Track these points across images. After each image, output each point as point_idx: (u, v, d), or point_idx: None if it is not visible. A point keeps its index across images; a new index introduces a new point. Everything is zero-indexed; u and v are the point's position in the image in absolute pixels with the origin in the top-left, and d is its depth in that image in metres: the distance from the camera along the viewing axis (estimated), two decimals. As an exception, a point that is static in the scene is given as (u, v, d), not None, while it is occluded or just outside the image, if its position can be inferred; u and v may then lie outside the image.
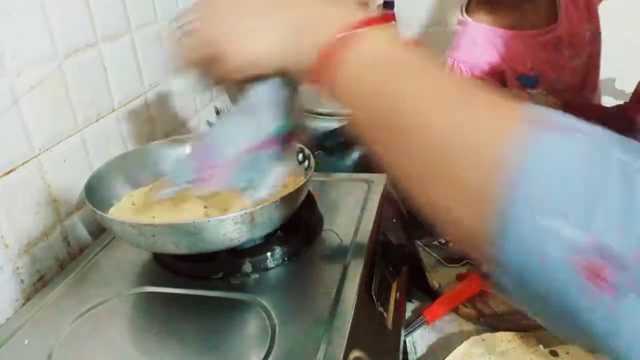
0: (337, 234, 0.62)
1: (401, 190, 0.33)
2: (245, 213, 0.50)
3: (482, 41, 0.92)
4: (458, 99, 0.30)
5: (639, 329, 0.23)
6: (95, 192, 0.59)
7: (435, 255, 0.85)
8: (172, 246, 0.52)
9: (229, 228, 0.50)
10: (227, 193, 0.62)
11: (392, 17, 0.36)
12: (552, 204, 0.24)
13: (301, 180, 0.58)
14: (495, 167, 0.26)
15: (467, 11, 0.93)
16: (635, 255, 0.22)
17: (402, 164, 0.32)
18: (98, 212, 0.53)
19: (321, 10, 0.37)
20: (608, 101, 1.15)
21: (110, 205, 0.62)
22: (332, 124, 0.87)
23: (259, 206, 0.51)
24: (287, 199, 0.54)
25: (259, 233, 0.55)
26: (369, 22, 0.34)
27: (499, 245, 0.26)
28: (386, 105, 0.32)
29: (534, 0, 0.92)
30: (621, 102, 0.92)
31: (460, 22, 0.93)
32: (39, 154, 0.61)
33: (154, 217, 0.59)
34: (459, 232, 0.30)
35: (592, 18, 0.94)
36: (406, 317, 0.71)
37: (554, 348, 0.64)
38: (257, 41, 0.37)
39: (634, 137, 0.26)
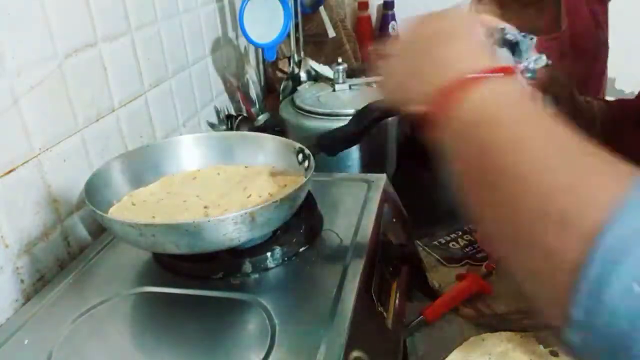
0: (337, 234, 0.62)
1: (492, 251, 0.33)
2: (246, 213, 0.50)
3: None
4: (565, 162, 0.29)
5: None
6: (95, 192, 0.59)
7: (435, 255, 0.85)
8: (172, 246, 0.52)
9: (229, 228, 0.50)
10: (229, 192, 0.62)
11: (513, 70, 0.37)
12: None
13: (301, 180, 0.58)
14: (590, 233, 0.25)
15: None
16: None
17: (496, 223, 0.31)
18: (98, 212, 0.53)
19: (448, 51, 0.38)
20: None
21: (110, 205, 0.62)
22: (332, 124, 0.87)
23: (259, 206, 0.51)
24: (287, 199, 0.54)
25: (260, 233, 0.55)
26: (492, 71, 0.35)
27: (578, 305, 0.25)
28: (491, 162, 0.32)
29: (539, 6, 0.91)
30: None
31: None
32: (39, 154, 0.61)
33: (154, 217, 0.59)
34: (535, 279, 0.29)
35: (599, 25, 0.94)
36: (406, 317, 0.71)
37: (554, 348, 0.64)
38: (407, 93, 0.41)
39: None
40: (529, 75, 0.49)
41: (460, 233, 0.88)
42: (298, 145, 0.65)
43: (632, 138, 0.73)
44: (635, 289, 0.23)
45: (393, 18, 1.48)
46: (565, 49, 0.93)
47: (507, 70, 0.36)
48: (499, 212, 0.31)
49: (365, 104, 0.66)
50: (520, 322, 0.72)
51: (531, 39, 0.50)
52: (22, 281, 0.59)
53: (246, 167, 0.69)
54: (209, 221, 0.50)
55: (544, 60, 0.49)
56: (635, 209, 0.24)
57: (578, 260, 0.25)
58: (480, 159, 0.32)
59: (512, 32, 0.49)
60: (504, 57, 0.48)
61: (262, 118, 1.09)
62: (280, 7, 1.08)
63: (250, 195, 0.60)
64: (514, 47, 0.51)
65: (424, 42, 0.42)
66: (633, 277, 0.23)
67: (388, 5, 1.46)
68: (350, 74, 1.12)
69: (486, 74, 0.35)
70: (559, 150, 0.30)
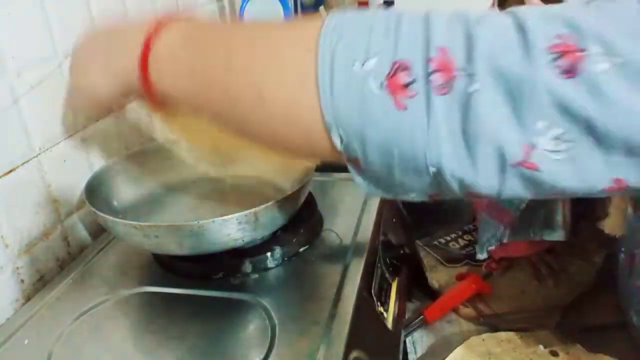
0: (337, 234, 0.62)
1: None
2: (249, 213, 0.50)
3: None
4: (256, 40, 0.35)
5: (440, 118, 0.28)
6: (96, 193, 0.59)
7: (435, 255, 0.85)
8: (176, 247, 0.52)
9: (232, 228, 0.50)
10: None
11: (190, 13, 0.41)
12: (361, 51, 0.29)
13: (302, 180, 0.58)
14: (301, 43, 0.31)
15: (499, 5, 0.91)
16: (427, 60, 0.28)
17: (232, 100, 0.35)
18: (100, 214, 0.53)
19: (119, 35, 0.43)
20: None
21: (111, 205, 0.62)
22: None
23: (263, 206, 0.51)
24: (289, 199, 0.54)
25: (263, 233, 0.55)
26: (160, 26, 0.40)
27: (328, 107, 0.30)
28: (202, 75, 0.36)
29: None
30: None
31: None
32: (39, 154, 0.61)
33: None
34: (292, 123, 0.33)
35: None
36: (406, 317, 0.71)
37: (554, 348, 0.64)
38: (91, 77, 0.44)
39: None
40: None
41: (460, 233, 0.88)
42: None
43: None
44: (355, 67, 0.29)
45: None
46: None
47: (184, 15, 0.41)
48: (229, 107, 0.36)
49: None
50: (520, 322, 0.72)
51: None
52: (22, 281, 0.59)
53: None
54: (213, 221, 0.50)
55: None
56: (329, 33, 0.31)
57: (311, 74, 0.30)
58: (193, 76, 0.37)
59: None
60: None
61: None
62: (280, 7, 1.08)
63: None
64: None
65: (103, 36, 0.46)
66: (347, 61, 0.30)
67: (388, 5, 1.46)
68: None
69: (168, 21, 0.40)
70: (248, 31, 0.36)
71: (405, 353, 0.68)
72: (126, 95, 0.43)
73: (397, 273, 0.67)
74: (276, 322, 0.49)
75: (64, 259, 0.65)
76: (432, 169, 0.30)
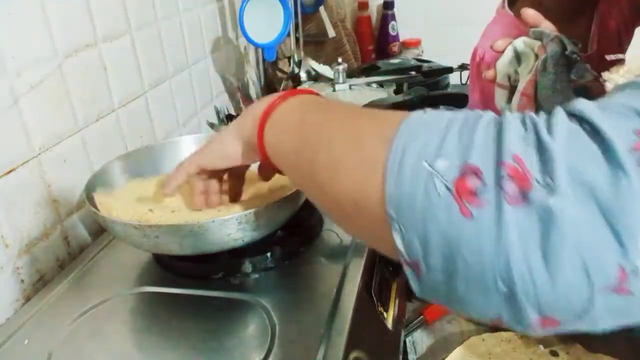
0: (337, 234, 0.62)
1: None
2: (249, 213, 0.50)
3: (514, 37, 0.90)
4: (350, 110, 0.39)
5: (513, 229, 0.26)
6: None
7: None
8: (176, 247, 0.52)
9: (232, 228, 0.50)
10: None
11: (311, 91, 0.46)
12: (433, 149, 0.29)
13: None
14: (379, 132, 0.32)
15: (510, 4, 0.90)
16: (498, 167, 0.27)
17: (315, 171, 0.37)
18: (100, 213, 0.53)
19: (253, 107, 0.48)
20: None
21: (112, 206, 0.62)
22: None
23: (263, 206, 0.51)
24: (289, 199, 0.54)
25: (263, 233, 0.55)
26: (287, 95, 0.44)
27: (390, 199, 0.30)
28: (297, 141, 0.40)
29: (575, 24, 0.89)
30: None
31: (498, 12, 0.91)
32: (39, 154, 0.61)
33: (151, 210, 0.58)
34: (359, 207, 0.33)
35: (621, 45, 0.93)
36: (406, 317, 0.71)
37: (554, 348, 0.64)
38: (220, 145, 0.51)
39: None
40: None
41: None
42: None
43: None
44: (423, 165, 0.29)
45: (393, 18, 1.48)
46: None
47: (307, 91, 0.46)
48: (318, 194, 0.38)
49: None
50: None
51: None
52: (22, 281, 0.59)
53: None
54: (213, 221, 0.50)
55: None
56: (405, 129, 0.31)
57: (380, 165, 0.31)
58: (292, 141, 0.41)
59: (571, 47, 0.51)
60: None
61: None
62: (280, 7, 1.08)
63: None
64: (571, 65, 0.52)
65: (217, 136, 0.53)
66: (418, 157, 0.29)
67: (388, 5, 1.46)
68: (350, 74, 1.12)
69: (288, 95, 0.45)
70: (344, 114, 0.39)
71: (405, 353, 0.68)
72: (247, 157, 0.50)
73: (397, 273, 0.67)
74: (276, 322, 0.49)
75: (64, 259, 0.65)
76: (502, 287, 0.27)
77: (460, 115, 0.31)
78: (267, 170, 0.54)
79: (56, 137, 0.64)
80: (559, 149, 0.26)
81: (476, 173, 0.27)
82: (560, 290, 0.26)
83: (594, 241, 0.25)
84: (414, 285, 0.32)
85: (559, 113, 0.28)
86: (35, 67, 0.60)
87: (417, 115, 0.32)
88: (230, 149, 0.50)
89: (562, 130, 0.27)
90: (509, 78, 0.66)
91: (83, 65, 0.68)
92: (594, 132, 0.26)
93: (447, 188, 0.27)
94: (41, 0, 0.61)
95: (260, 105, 0.46)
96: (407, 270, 0.31)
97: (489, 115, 0.30)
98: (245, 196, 0.60)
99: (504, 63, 0.65)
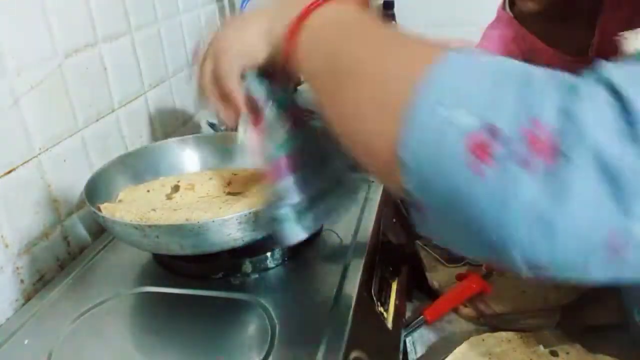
0: (337, 234, 0.62)
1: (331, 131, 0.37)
2: (250, 213, 0.50)
3: (511, 39, 0.89)
4: (386, 42, 0.35)
5: (522, 198, 0.25)
6: (96, 194, 0.59)
7: (435, 255, 0.85)
8: (177, 247, 0.52)
9: (233, 228, 0.50)
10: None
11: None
12: (455, 98, 0.28)
13: None
14: (407, 76, 0.30)
15: (510, 5, 0.90)
16: (519, 131, 0.26)
17: (337, 101, 0.36)
18: (100, 214, 0.53)
19: (288, 2, 0.41)
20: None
21: (111, 205, 0.62)
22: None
23: (263, 206, 0.51)
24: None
25: (263, 233, 0.55)
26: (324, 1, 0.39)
27: (403, 143, 0.29)
28: (333, 58, 0.36)
29: (571, 27, 0.89)
30: None
31: (498, 13, 0.91)
32: (39, 154, 0.61)
33: (154, 209, 0.58)
34: (371, 150, 0.33)
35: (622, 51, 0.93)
36: (406, 317, 0.71)
37: (554, 348, 0.64)
38: (243, 37, 0.44)
39: None
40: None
41: (460, 233, 0.88)
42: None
43: None
44: (439, 110, 0.27)
45: (393, 18, 1.48)
46: (581, 72, 0.91)
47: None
48: (340, 89, 0.35)
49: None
50: (520, 322, 0.72)
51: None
52: (22, 281, 0.59)
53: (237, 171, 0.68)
54: (213, 221, 0.49)
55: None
56: (441, 58, 0.30)
57: (401, 99, 0.29)
58: (330, 62, 0.37)
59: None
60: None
61: (262, 118, 1.09)
62: (280, 7, 1.08)
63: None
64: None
65: (240, 21, 0.46)
66: (436, 102, 0.28)
67: (388, 5, 1.46)
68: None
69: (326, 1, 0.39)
70: (386, 35, 0.36)
71: (405, 353, 0.68)
72: (271, 61, 0.43)
73: (397, 273, 0.67)
74: (276, 322, 0.49)
75: (64, 259, 0.65)
76: (497, 247, 0.27)
77: (497, 63, 0.30)
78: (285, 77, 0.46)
79: (56, 137, 0.64)
80: (584, 122, 0.25)
81: (494, 133, 0.26)
82: (558, 250, 0.26)
83: (598, 207, 0.25)
84: (416, 221, 0.32)
85: (592, 85, 0.27)
86: (35, 67, 0.60)
87: (454, 55, 0.30)
88: (256, 49, 0.44)
89: (593, 102, 0.26)
90: None
91: (83, 65, 0.68)
92: (622, 102, 0.25)
93: (464, 142, 0.26)
94: (41, 0, 0.61)
95: (293, 7, 0.40)
96: (411, 208, 0.32)
97: (530, 73, 0.28)
98: (246, 195, 0.60)
99: None
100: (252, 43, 0.43)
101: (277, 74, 0.45)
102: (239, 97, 0.45)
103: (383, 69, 0.33)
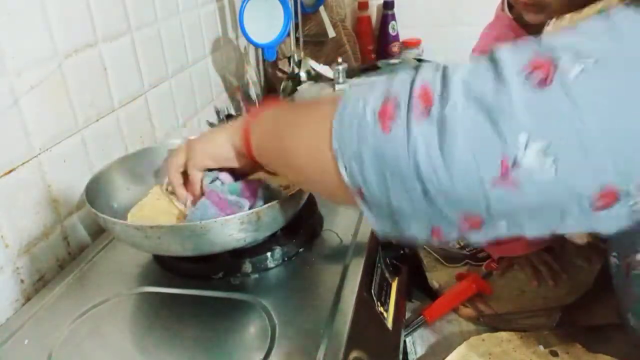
0: (337, 234, 0.62)
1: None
2: (252, 213, 0.50)
3: (510, 41, 0.89)
4: (301, 114, 0.45)
5: (421, 140, 0.32)
6: (96, 195, 0.59)
7: (435, 255, 0.85)
8: (179, 248, 0.52)
9: (235, 228, 0.50)
10: None
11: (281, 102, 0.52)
12: (363, 95, 0.36)
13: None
14: (325, 116, 0.38)
15: (509, 6, 0.89)
16: (408, 93, 0.34)
17: (288, 164, 0.45)
18: (101, 215, 0.53)
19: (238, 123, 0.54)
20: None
21: (111, 206, 0.62)
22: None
23: (265, 206, 0.51)
24: (290, 199, 0.54)
25: (264, 233, 0.55)
26: (263, 108, 0.51)
27: (335, 138, 0.36)
28: (276, 141, 0.46)
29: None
30: None
31: (497, 14, 0.91)
32: (39, 154, 0.61)
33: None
34: (320, 168, 0.39)
35: None
36: (406, 317, 0.71)
37: (554, 348, 0.64)
38: (214, 140, 0.55)
39: None
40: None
41: (460, 233, 0.88)
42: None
43: None
44: (359, 104, 0.36)
45: (393, 18, 1.48)
46: None
47: (276, 103, 0.51)
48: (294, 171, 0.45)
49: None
50: (520, 322, 0.72)
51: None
52: (22, 281, 0.59)
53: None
54: (215, 222, 0.49)
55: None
56: (349, 91, 0.39)
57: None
58: (267, 141, 0.48)
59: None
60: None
61: (262, 118, 1.09)
62: (280, 7, 1.08)
63: None
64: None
65: (210, 133, 0.58)
66: (350, 107, 0.36)
67: (388, 5, 1.46)
68: (350, 74, 1.12)
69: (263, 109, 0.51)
70: (295, 113, 0.46)
71: (405, 353, 0.68)
72: (237, 160, 0.54)
73: (397, 273, 0.67)
74: (276, 322, 0.49)
75: (64, 259, 0.65)
76: (418, 186, 0.33)
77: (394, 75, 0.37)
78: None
79: (56, 137, 0.64)
80: (458, 74, 0.33)
81: (394, 99, 0.34)
82: (457, 180, 0.31)
83: (480, 138, 0.30)
84: (367, 215, 0.38)
85: (480, 59, 0.33)
86: (35, 67, 0.60)
87: (359, 81, 0.39)
88: (222, 151, 0.54)
89: (466, 65, 0.33)
90: None
91: (83, 65, 0.68)
92: (493, 60, 0.32)
93: (374, 113, 0.34)
94: (41, 0, 0.61)
95: (239, 125, 0.53)
96: (358, 202, 0.37)
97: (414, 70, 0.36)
98: None
99: None
100: (220, 145, 0.54)
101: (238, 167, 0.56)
102: (197, 185, 0.56)
103: (307, 128, 0.42)
